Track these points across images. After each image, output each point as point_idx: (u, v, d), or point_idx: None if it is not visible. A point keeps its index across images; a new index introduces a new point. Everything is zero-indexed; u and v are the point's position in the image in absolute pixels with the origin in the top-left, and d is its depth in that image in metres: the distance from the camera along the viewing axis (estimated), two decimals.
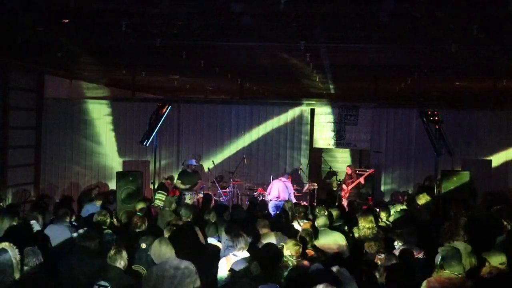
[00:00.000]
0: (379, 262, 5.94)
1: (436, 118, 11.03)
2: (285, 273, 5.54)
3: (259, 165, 14.69)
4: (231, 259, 5.84)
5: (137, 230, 7.10)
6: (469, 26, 7.97)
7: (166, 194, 11.24)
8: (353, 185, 12.89)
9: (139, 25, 8.70)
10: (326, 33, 8.95)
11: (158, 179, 13.18)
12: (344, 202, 12.43)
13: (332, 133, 14.50)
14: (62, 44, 10.40)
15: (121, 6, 7.62)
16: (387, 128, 14.26)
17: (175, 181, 13.36)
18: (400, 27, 8.44)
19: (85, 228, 7.11)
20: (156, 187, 12.20)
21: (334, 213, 8.32)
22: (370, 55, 10.88)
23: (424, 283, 4.99)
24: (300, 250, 5.85)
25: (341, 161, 18.48)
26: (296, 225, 8.20)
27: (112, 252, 5.29)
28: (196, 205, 11.08)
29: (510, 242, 6.54)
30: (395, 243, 6.61)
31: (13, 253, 4.54)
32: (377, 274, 5.48)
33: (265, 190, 12.93)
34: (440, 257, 5.12)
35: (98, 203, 9.37)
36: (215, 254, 6.67)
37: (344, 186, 13.12)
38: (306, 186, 13.58)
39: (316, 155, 17.51)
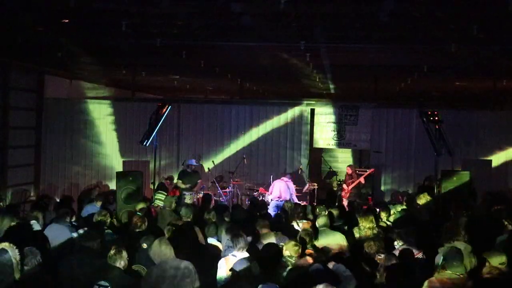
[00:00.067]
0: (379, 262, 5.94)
1: (436, 118, 11.02)
2: (285, 273, 5.54)
3: (259, 165, 14.69)
4: (230, 259, 5.84)
5: (137, 230, 7.11)
6: (469, 26, 7.97)
7: (166, 194, 11.23)
8: (353, 185, 12.88)
9: (139, 25, 8.70)
10: (326, 33, 8.95)
11: (158, 179, 13.18)
12: (345, 202, 12.42)
13: (332, 133, 14.51)
14: (62, 44, 10.40)
15: (121, 6, 7.62)
16: (387, 128, 14.26)
17: (175, 181, 13.37)
18: (400, 27, 8.44)
19: (85, 228, 7.13)
20: (156, 187, 12.20)
21: (334, 213, 8.32)
22: (370, 55, 10.88)
23: (426, 283, 4.99)
24: (299, 250, 5.85)
25: (342, 161, 18.47)
26: (295, 225, 8.20)
27: (112, 252, 5.30)
28: (196, 205, 11.08)
29: (511, 242, 6.54)
30: (395, 243, 6.60)
31: (13, 253, 4.53)
32: (377, 275, 5.48)
33: (267, 190, 12.93)
34: (441, 257, 5.12)
35: (98, 204, 9.36)
36: (215, 254, 6.67)
37: (344, 186, 13.12)
38: (306, 186, 13.58)
39: (316, 155, 17.51)
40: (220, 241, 7.25)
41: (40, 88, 14.66)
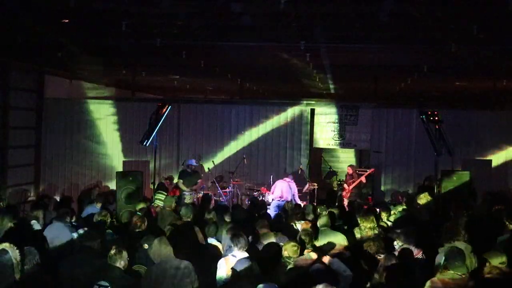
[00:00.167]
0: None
1: (436, 118, 11.02)
2: (284, 273, 5.54)
3: (259, 165, 14.69)
4: (230, 259, 5.84)
5: (137, 230, 7.10)
6: (469, 26, 7.97)
7: (166, 194, 11.23)
8: (354, 184, 12.89)
9: (139, 25, 8.70)
10: (326, 33, 8.95)
11: (158, 179, 13.18)
12: (346, 202, 12.42)
13: (332, 133, 14.51)
14: (62, 44, 10.40)
15: (121, 6, 7.62)
16: (387, 128, 14.26)
17: (175, 181, 13.36)
18: (400, 27, 8.44)
19: (85, 228, 7.13)
20: (156, 187, 12.20)
21: (335, 212, 8.32)
22: (370, 55, 10.89)
23: (428, 284, 4.98)
24: (298, 251, 5.85)
25: (344, 161, 18.45)
26: (294, 225, 8.19)
27: (112, 252, 5.30)
28: (195, 205, 11.09)
29: None
30: (395, 243, 6.60)
31: (13, 253, 4.53)
32: (376, 275, 5.47)
33: (269, 190, 12.93)
34: (443, 257, 5.11)
35: (98, 205, 9.33)
36: (215, 254, 6.67)
37: (345, 185, 13.13)
38: (306, 186, 13.58)
39: (316, 155, 17.51)
40: (220, 241, 7.25)
41: (40, 88, 14.65)
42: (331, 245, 6.79)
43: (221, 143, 14.86)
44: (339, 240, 7.00)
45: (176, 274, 5.31)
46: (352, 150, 18.04)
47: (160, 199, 10.71)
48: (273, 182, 13.05)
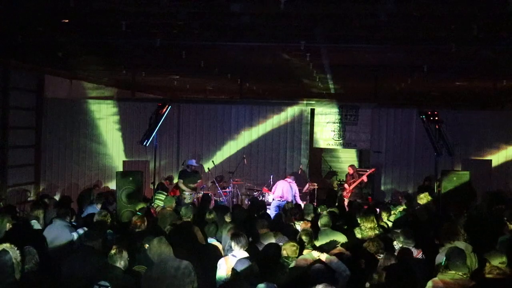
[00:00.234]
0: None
1: (436, 118, 11.03)
2: (284, 273, 5.54)
3: (259, 165, 14.69)
4: (230, 259, 5.84)
5: (137, 230, 7.10)
6: (469, 26, 7.97)
7: (166, 194, 11.24)
8: (354, 184, 12.89)
9: (139, 25, 8.70)
10: (326, 33, 8.94)
11: (158, 179, 13.19)
12: (346, 202, 12.42)
13: (332, 133, 14.51)
14: (62, 44, 10.40)
15: (121, 6, 7.62)
16: (387, 128, 14.26)
17: (175, 181, 13.35)
18: (400, 27, 8.44)
19: (85, 228, 7.13)
20: (155, 187, 12.20)
21: (336, 212, 8.32)
22: (370, 55, 10.88)
23: (430, 284, 4.97)
24: (297, 251, 5.85)
25: (345, 161, 18.45)
26: (295, 225, 8.19)
27: (113, 252, 5.30)
28: (195, 205, 11.09)
29: None
30: (394, 243, 6.60)
31: (14, 254, 4.53)
32: (375, 275, 5.47)
33: (270, 190, 12.93)
34: (444, 258, 5.11)
35: (99, 206, 9.32)
36: (215, 254, 6.67)
37: (346, 185, 13.13)
38: (306, 186, 13.59)
39: (316, 155, 17.51)
40: (220, 241, 7.25)
41: (40, 88, 14.64)
42: (331, 245, 6.79)
43: (221, 143, 14.86)
44: (340, 240, 7.00)
45: (176, 274, 5.31)
46: (353, 150, 18.02)
47: (160, 199, 10.72)
48: (273, 182, 13.06)
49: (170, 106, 11.88)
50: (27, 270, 4.80)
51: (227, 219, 8.06)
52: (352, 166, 13.62)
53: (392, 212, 8.96)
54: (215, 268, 5.91)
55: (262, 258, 5.96)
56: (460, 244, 5.95)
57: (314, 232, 6.87)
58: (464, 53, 9.97)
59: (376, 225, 7.48)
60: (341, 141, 14.52)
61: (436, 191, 10.81)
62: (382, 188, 14.24)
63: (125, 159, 14.75)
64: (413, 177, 13.91)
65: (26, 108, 14.26)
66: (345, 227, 7.97)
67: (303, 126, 14.58)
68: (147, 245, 6.17)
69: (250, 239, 6.68)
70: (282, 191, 12.27)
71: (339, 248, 6.70)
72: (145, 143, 11.29)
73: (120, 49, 10.99)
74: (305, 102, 14.82)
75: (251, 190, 13.86)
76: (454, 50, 9.15)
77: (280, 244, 6.19)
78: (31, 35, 9.79)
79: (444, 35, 8.79)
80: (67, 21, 8.69)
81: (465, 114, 14.00)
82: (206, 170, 14.32)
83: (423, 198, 9.70)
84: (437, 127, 10.98)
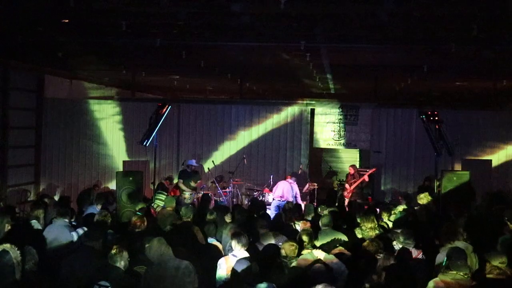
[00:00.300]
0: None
1: (436, 118, 11.02)
2: (283, 273, 5.53)
3: (259, 165, 14.69)
4: (230, 259, 5.85)
5: (137, 230, 7.10)
6: (469, 26, 7.97)
7: (166, 194, 11.24)
8: (355, 184, 12.89)
9: (139, 25, 8.70)
10: (326, 33, 8.94)
11: (158, 179, 13.19)
12: (346, 202, 12.42)
13: (332, 133, 14.51)
14: (62, 44, 10.40)
15: (121, 6, 7.62)
16: (387, 128, 14.27)
17: (175, 181, 13.35)
18: (400, 27, 8.44)
19: (85, 228, 7.13)
20: (155, 187, 12.20)
21: (337, 212, 8.32)
22: (370, 55, 10.89)
23: (431, 284, 4.97)
24: (296, 250, 5.84)
25: (346, 161, 18.40)
26: (294, 225, 8.19)
27: (113, 252, 5.30)
28: (195, 205, 11.09)
29: None
30: (394, 243, 6.60)
31: (14, 254, 4.53)
32: (374, 276, 5.47)
33: (271, 190, 12.93)
34: (445, 258, 5.10)
35: (99, 207, 9.31)
36: (215, 254, 6.67)
37: (347, 185, 13.13)
38: (306, 186, 13.59)
39: (316, 155, 17.50)
40: (220, 241, 7.25)
41: (40, 88, 14.65)
42: (332, 245, 6.80)
43: (221, 143, 14.86)
44: (341, 239, 7.00)
45: (176, 274, 5.31)
46: (355, 150, 17.99)
47: (160, 199, 10.71)
48: (273, 182, 13.05)
49: (170, 106, 11.87)
50: (27, 270, 4.80)
51: (227, 219, 8.06)
52: (353, 166, 13.61)
53: (392, 212, 8.96)
54: (215, 268, 5.91)
55: (262, 258, 5.96)
56: (460, 244, 5.96)
57: (314, 232, 6.87)
58: (464, 53, 9.97)
59: (376, 225, 7.48)
60: (341, 141, 14.52)
61: (436, 191, 10.80)
62: (382, 188, 14.24)
63: (125, 159, 14.75)
64: (413, 177, 13.91)
65: (26, 108, 14.26)
66: (344, 226, 7.97)
67: (303, 126, 14.58)
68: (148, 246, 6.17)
69: (250, 239, 6.68)
70: (282, 191, 12.27)
71: (339, 248, 6.70)
72: (145, 143, 11.29)
73: (120, 49, 10.99)
74: (305, 102, 14.82)
75: (251, 190, 13.86)
76: (454, 50, 9.15)
77: (280, 244, 6.18)
78: (31, 35, 9.80)
79: (444, 35, 8.79)
80: (67, 21, 8.69)
81: (465, 114, 14.00)
82: (206, 170, 14.32)
83: (423, 198, 9.70)
84: (437, 127, 10.97)
